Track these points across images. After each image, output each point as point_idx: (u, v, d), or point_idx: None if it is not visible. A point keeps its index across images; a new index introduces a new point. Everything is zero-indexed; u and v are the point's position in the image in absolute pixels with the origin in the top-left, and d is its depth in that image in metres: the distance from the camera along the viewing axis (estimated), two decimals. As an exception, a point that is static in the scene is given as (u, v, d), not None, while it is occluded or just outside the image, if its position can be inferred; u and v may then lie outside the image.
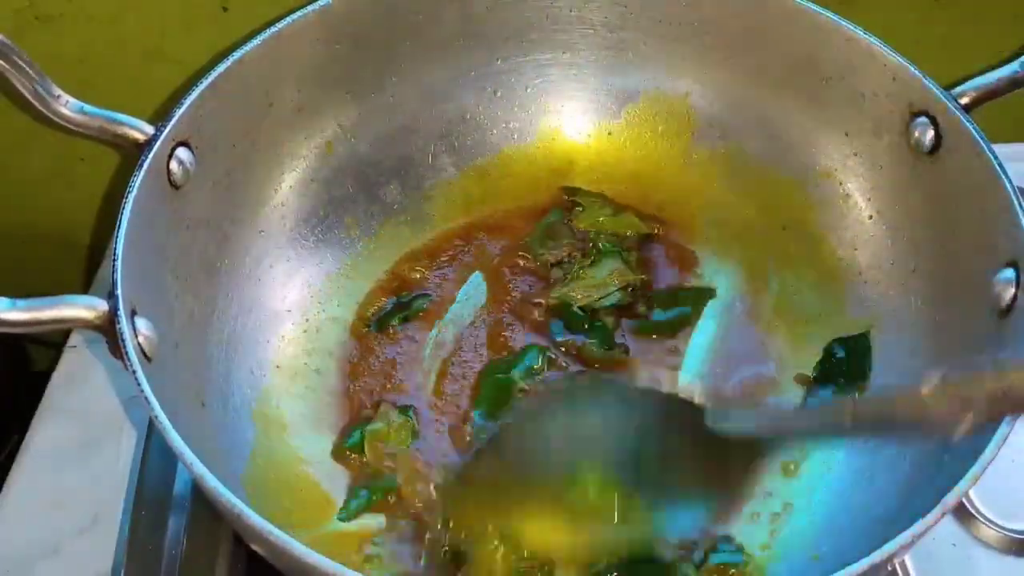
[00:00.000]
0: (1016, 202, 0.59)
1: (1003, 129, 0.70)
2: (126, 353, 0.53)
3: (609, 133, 0.78)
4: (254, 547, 0.52)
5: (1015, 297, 0.58)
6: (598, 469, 0.56)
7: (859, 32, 0.68)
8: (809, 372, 0.69)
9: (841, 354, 0.69)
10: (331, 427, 0.66)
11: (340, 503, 0.63)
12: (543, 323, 0.71)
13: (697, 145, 0.77)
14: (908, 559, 0.63)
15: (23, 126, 0.76)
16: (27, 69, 0.59)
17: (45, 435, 0.69)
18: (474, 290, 0.73)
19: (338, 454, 0.65)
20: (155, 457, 0.66)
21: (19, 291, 0.53)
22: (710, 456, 0.55)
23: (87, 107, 0.61)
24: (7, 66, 0.59)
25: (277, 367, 0.68)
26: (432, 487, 0.61)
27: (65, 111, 0.61)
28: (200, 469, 0.50)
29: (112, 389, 0.71)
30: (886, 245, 0.70)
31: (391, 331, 0.70)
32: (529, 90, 0.77)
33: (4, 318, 0.52)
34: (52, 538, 0.64)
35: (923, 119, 0.65)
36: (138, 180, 0.58)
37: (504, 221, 0.76)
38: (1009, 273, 0.59)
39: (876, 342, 0.68)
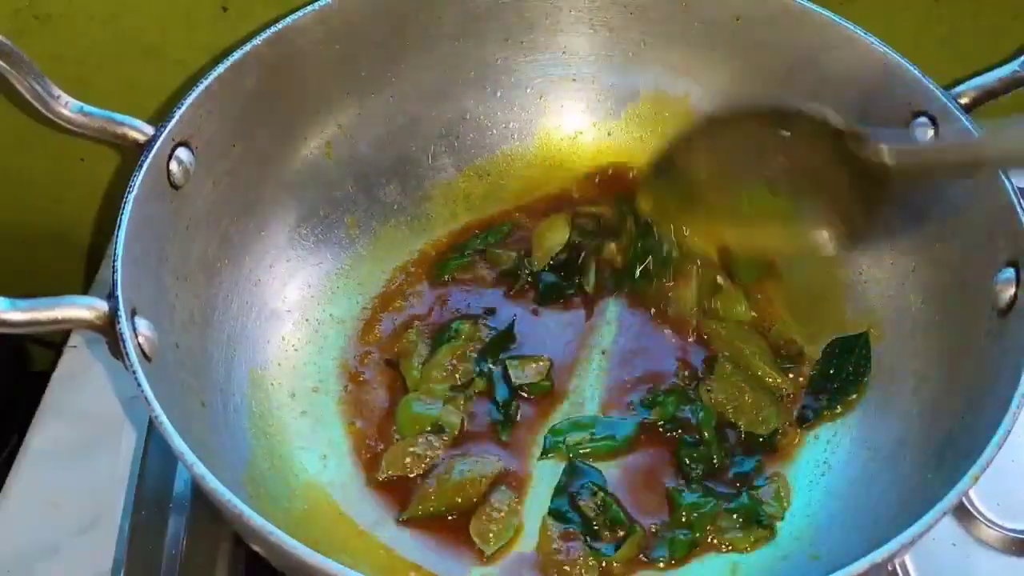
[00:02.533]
0: (1016, 202, 0.59)
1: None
2: (126, 353, 0.53)
3: (609, 133, 0.78)
4: (254, 547, 0.52)
5: (1015, 297, 0.58)
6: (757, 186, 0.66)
7: (859, 32, 0.68)
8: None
9: (840, 355, 0.69)
10: (331, 426, 0.66)
11: (340, 502, 0.63)
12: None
13: (697, 145, 0.77)
14: (908, 559, 0.63)
15: (23, 126, 0.76)
16: (27, 69, 0.59)
17: (45, 435, 0.69)
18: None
19: None
20: (155, 457, 0.66)
21: (19, 291, 0.53)
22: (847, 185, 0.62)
23: (87, 107, 0.61)
24: (7, 66, 0.59)
25: (278, 366, 0.68)
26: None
27: (65, 111, 0.61)
28: (201, 470, 0.50)
29: (112, 389, 0.71)
30: (886, 245, 0.70)
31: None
32: (529, 90, 0.77)
33: (4, 318, 0.52)
34: (52, 538, 0.64)
35: (923, 119, 0.65)
36: (138, 180, 0.58)
37: (504, 221, 0.76)
38: (1009, 273, 0.59)
39: (876, 342, 0.68)
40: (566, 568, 0.60)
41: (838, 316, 0.70)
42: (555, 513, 0.63)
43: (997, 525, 0.65)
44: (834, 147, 0.61)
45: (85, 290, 0.83)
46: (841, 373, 0.68)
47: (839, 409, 0.67)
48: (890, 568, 0.62)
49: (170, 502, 0.64)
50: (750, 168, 0.66)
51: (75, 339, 0.74)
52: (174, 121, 0.61)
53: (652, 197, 0.71)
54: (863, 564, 0.48)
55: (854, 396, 0.67)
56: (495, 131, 0.77)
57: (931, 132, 0.65)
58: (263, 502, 0.59)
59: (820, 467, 0.65)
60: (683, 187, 0.68)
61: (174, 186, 0.62)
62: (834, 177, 0.62)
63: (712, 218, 0.69)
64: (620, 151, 0.78)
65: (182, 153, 0.62)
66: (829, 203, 0.65)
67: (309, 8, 0.68)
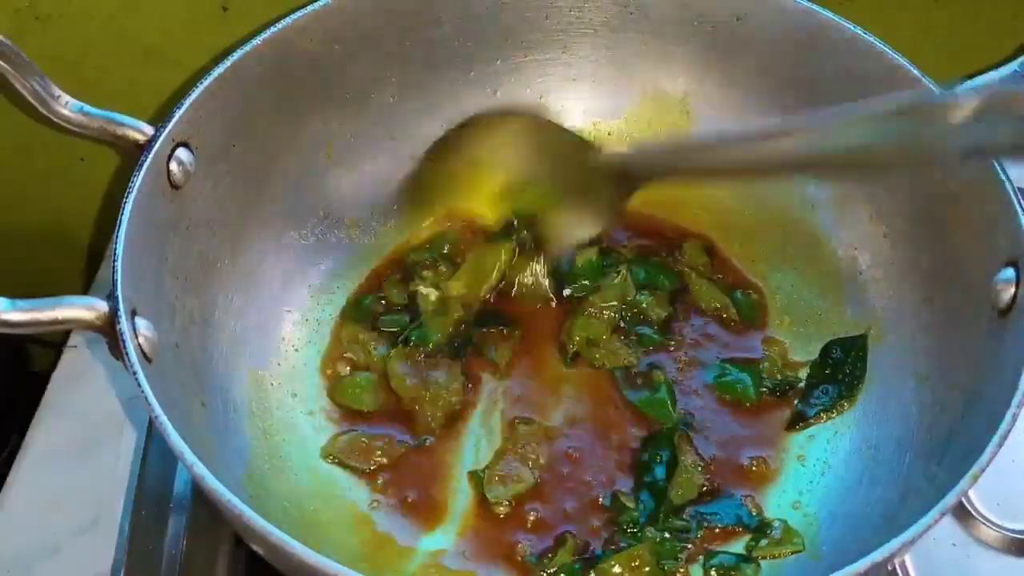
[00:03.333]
0: (1016, 202, 0.59)
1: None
2: (126, 354, 0.53)
3: (609, 133, 0.78)
4: (254, 547, 0.52)
5: (1015, 297, 0.58)
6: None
7: (859, 32, 0.68)
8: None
9: (838, 355, 0.69)
10: (330, 427, 0.66)
11: (340, 500, 0.63)
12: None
13: (697, 145, 0.77)
14: (908, 559, 0.63)
15: (23, 126, 0.76)
16: (27, 69, 0.60)
17: (45, 435, 0.69)
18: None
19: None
20: (155, 457, 0.66)
21: (19, 291, 0.53)
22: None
23: (87, 107, 0.61)
24: (7, 66, 0.59)
25: (278, 366, 0.68)
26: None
27: (65, 111, 0.61)
28: (200, 470, 0.50)
29: (112, 389, 0.71)
30: (886, 245, 0.70)
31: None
32: (529, 90, 0.77)
33: (4, 318, 0.52)
34: (52, 538, 0.64)
35: (923, 119, 0.65)
36: (138, 180, 0.58)
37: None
38: (1009, 273, 0.59)
39: (876, 342, 0.68)
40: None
41: (838, 316, 0.70)
42: None
43: (997, 525, 0.65)
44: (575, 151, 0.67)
45: (85, 290, 0.83)
46: (837, 374, 0.68)
47: (834, 412, 0.67)
48: (890, 568, 0.62)
49: (170, 502, 0.64)
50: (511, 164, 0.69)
51: (75, 339, 0.74)
52: (174, 121, 0.61)
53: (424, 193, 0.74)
54: (863, 564, 0.48)
55: (850, 399, 0.67)
56: (495, 131, 0.77)
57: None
58: (263, 502, 0.59)
59: (820, 467, 0.65)
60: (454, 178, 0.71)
61: (174, 186, 0.62)
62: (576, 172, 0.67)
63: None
64: (620, 151, 0.78)
65: (182, 153, 0.62)
66: (580, 194, 0.68)
67: (309, 8, 0.68)
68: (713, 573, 0.60)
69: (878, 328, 0.69)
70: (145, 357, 0.54)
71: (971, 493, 0.66)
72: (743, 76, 0.74)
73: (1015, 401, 0.53)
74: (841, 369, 0.68)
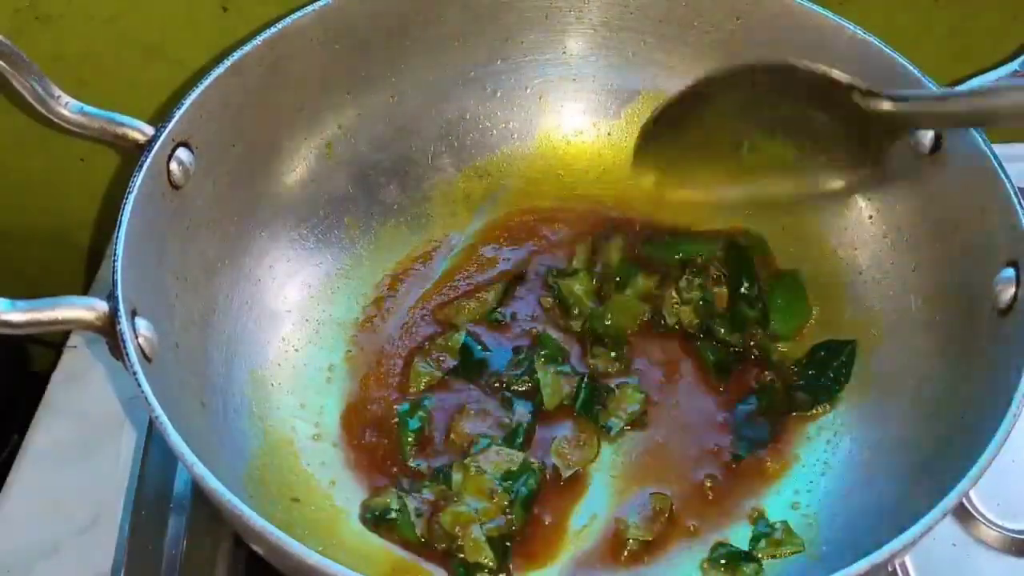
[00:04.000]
0: (1016, 202, 0.59)
1: (1003, 129, 0.70)
2: (126, 354, 0.53)
3: (609, 133, 0.78)
4: (254, 547, 0.52)
5: (1015, 297, 0.58)
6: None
7: (859, 32, 0.68)
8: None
9: (824, 358, 0.68)
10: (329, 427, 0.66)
11: (340, 501, 0.63)
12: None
13: (697, 145, 0.77)
14: (908, 559, 0.63)
15: (23, 126, 0.76)
16: (27, 69, 0.60)
17: (45, 435, 0.69)
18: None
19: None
20: (155, 457, 0.66)
21: (19, 291, 0.53)
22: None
23: (87, 108, 0.61)
24: (7, 66, 0.59)
25: (278, 366, 0.68)
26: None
27: (65, 112, 0.61)
28: (201, 470, 0.50)
29: (112, 389, 0.71)
30: (886, 245, 0.70)
31: None
32: (529, 90, 0.77)
33: (4, 319, 0.52)
34: (52, 538, 0.64)
35: (923, 119, 0.65)
36: (138, 180, 0.58)
37: (503, 221, 0.76)
38: (1009, 273, 0.59)
39: (875, 342, 0.68)
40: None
41: (838, 316, 0.70)
42: None
43: (997, 525, 0.65)
44: (834, 97, 0.65)
45: (85, 290, 0.83)
46: (820, 378, 0.68)
47: (814, 414, 0.67)
48: (890, 568, 0.62)
49: (170, 502, 0.64)
50: (751, 119, 0.69)
51: (75, 339, 0.74)
52: (174, 121, 0.61)
53: (651, 154, 0.74)
54: (863, 564, 0.48)
55: (830, 402, 0.67)
56: (495, 131, 0.77)
57: (931, 132, 0.65)
58: (263, 502, 0.59)
59: (820, 467, 0.65)
60: (683, 143, 0.72)
61: (174, 186, 0.62)
62: (835, 123, 0.66)
63: (714, 170, 0.72)
64: (620, 151, 0.78)
65: (182, 153, 0.62)
66: (831, 146, 0.68)
67: (309, 8, 0.68)
68: (714, 570, 0.60)
69: (878, 328, 0.69)
70: (145, 357, 0.54)
71: (971, 493, 0.66)
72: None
73: (1015, 401, 0.53)
74: (825, 373, 0.68)
